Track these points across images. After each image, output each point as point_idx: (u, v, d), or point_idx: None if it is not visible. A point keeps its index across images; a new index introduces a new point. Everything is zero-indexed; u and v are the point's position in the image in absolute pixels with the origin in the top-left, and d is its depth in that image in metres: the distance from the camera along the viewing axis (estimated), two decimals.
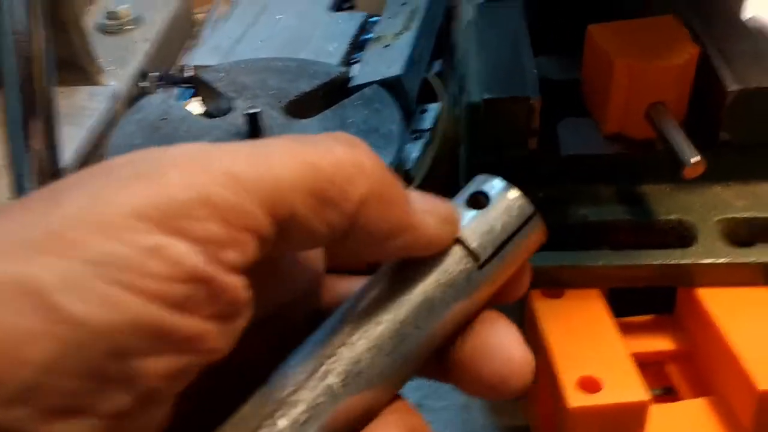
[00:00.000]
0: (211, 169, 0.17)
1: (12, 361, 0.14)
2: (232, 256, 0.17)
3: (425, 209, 0.20)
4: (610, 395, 0.30)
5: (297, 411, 0.19)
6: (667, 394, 0.36)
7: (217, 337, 0.17)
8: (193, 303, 0.16)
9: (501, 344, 0.20)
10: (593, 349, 0.32)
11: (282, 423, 0.19)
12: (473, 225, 0.21)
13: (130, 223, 0.16)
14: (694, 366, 0.36)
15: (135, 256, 0.15)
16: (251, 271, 0.18)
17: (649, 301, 0.37)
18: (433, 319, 0.20)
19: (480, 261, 0.21)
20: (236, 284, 0.17)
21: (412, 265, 0.21)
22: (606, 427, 0.30)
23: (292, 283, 0.23)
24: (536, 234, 0.22)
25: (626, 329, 0.34)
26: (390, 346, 0.20)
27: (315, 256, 0.24)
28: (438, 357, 0.21)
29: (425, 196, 0.21)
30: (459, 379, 0.21)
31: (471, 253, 0.21)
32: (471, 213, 0.21)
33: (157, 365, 0.16)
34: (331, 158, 0.18)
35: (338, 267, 0.24)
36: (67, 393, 0.15)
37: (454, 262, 0.21)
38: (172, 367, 0.16)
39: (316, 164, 0.18)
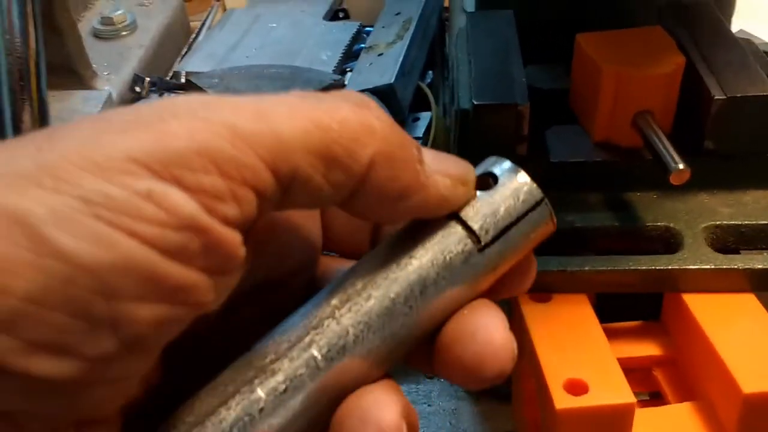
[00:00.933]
0: (212, 120, 0.16)
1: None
2: (229, 210, 0.16)
3: (439, 169, 0.19)
4: (596, 397, 0.30)
5: (276, 380, 0.18)
6: (653, 399, 0.37)
7: (208, 290, 0.16)
8: (186, 252, 0.16)
9: (481, 327, 0.19)
10: (580, 353, 0.33)
11: (260, 391, 0.18)
12: (477, 205, 0.20)
13: (126, 167, 0.15)
14: (680, 371, 0.36)
15: (129, 198, 0.15)
16: (251, 233, 0.17)
17: (636, 308, 0.38)
18: (425, 300, 0.19)
19: (481, 243, 0.20)
20: (232, 239, 0.16)
21: (409, 242, 0.20)
22: (593, 429, 0.31)
23: (289, 254, 0.22)
24: (544, 222, 0.21)
25: (613, 335, 0.35)
26: (378, 323, 0.19)
27: (313, 230, 0.23)
28: (428, 345, 0.20)
29: (440, 156, 0.20)
30: (440, 364, 0.20)
31: (472, 234, 0.20)
32: (477, 193, 0.20)
33: (145, 311, 0.16)
34: (338, 117, 0.17)
35: (345, 235, 0.24)
36: (51, 328, 0.15)
37: (453, 242, 0.20)
38: (160, 315, 0.16)
39: (322, 123, 0.17)
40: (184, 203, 0.16)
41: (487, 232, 0.20)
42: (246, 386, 0.18)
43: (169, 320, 0.16)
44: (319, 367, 0.19)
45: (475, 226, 0.20)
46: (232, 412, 0.18)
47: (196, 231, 0.16)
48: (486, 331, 0.19)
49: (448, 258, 0.20)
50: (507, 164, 0.21)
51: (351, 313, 0.19)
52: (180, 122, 0.16)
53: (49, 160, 0.15)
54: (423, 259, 0.20)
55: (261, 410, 0.18)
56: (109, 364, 0.16)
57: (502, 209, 0.20)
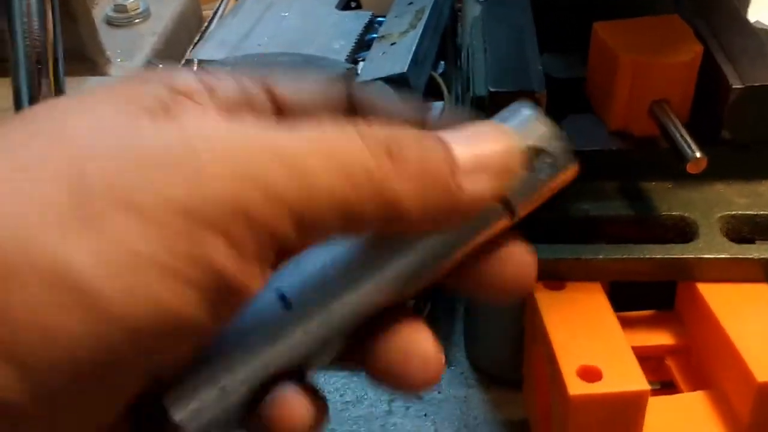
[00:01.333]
0: (250, 175, 0.16)
1: (53, 361, 0.15)
2: (252, 260, 0.17)
3: (476, 167, 0.19)
4: (610, 384, 0.30)
5: (302, 344, 0.20)
6: (666, 388, 0.37)
7: (218, 328, 0.17)
8: (215, 306, 0.17)
9: (515, 253, 0.21)
10: (593, 340, 0.33)
11: (284, 353, 0.19)
12: (522, 182, 0.20)
13: (165, 217, 0.16)
14: (692, 360, 0.36)
15: (170, 250, 0.16)
16: None
17: (650, 297, 0.38)
18: (452, 259, 0.21)
19: (517, 218, 0.21)
20: (251, 284, 0.17)
21: None
22: (606, 416, 0.31)
23: None
24: (565, 184, 0.21)
25: (627, 323, 0.35)
26: (404, 285, 0.20)
27: None
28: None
29: (477, 140, 0.19)
30: (470, 281, 0.21)
31: (510, 210, 0.20)
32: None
33: (171, 355, 0.17)
34: (369, 175, 0.17)
35: None
36: (90, 386, 0.16)
37: (493, 216, 0.20)
38: (181, 353, 0.17)
39: (354, 179, 0.17)
40: (220, 258, 0.16)
41: (524, 209, 0.21)
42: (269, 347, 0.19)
43: (185, 354, 0.18)
44: (343, 333, 0.20)
45: (517, 207, 0.20)
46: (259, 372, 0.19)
47: (225, 285, 0.16)
48: (519, 254, 0.21)
49: (485, 227, 0.20)
50: (562, 146, 0.20)
51: (374, 279, 0.20)
52: (220, 171, 0.16)
53: (86, 197, 0.15)
54: (462, 228, 0.20)
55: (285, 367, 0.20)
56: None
57: (544, 190, 0.21)
